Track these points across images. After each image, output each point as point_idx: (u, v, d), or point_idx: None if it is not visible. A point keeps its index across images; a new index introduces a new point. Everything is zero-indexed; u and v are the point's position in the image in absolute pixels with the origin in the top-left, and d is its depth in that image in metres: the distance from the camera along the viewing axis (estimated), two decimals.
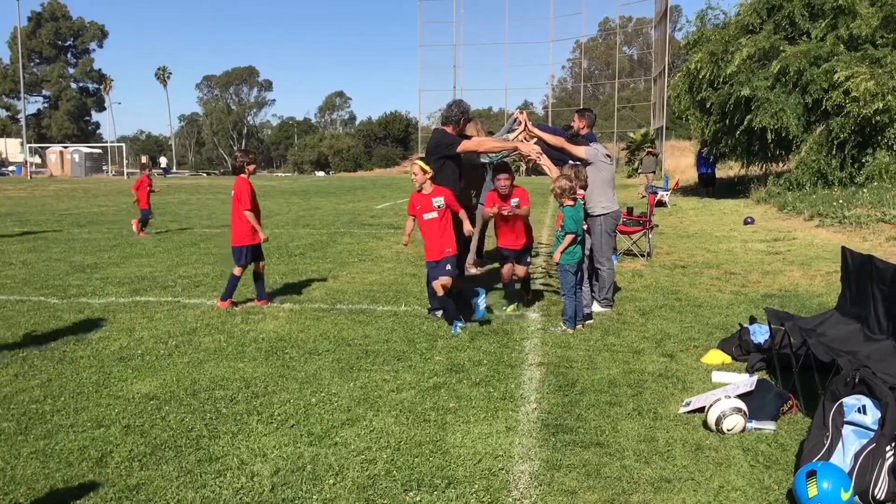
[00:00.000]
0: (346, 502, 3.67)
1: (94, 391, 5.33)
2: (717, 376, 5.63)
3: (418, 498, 3.72)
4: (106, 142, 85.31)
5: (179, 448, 4.33)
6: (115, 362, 6.06)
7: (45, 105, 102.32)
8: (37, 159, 71.56)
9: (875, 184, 18.45)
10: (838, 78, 19.94)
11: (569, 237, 7.01)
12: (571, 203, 7.03)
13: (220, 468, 4.06)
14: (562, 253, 7.04)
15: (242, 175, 8.12)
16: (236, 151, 8.73)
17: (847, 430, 3.86)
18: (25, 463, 4.11)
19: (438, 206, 7.24)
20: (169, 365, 5.99)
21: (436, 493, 3.77)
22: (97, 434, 4.53)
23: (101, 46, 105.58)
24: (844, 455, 3.79)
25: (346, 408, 4.99)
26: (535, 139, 8.12)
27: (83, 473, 3.98)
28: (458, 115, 7.70)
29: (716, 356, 6.14)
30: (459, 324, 7.04)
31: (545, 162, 7.69)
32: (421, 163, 7.29)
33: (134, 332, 7.04)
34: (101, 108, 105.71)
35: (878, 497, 3.62)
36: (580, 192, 7.55)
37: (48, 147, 72.76)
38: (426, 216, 7.25)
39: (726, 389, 4.96)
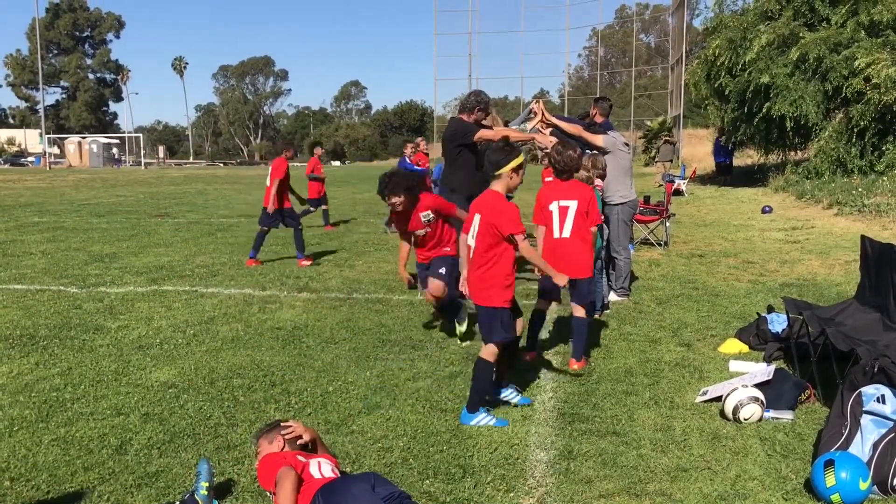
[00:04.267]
0: None
1: (114, 379, 5.39)
2: (734, 365, 5.61)
3: (434, 486, 3.73)
4: (123, 132, 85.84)
5: (198, 436, 4.37)
6: (133, 351, 6.11)
7: (64, 96, 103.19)
8: (55, 150, 72.14)
9: (895, 172, 18.21)
10: (859, 65, 19.65)
11: None
12: None
13: (238, 455, 4.09)
14: None
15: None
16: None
17: (866, 420, 3.83)
18: (47, 450, 4.17)
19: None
20: (187, 353, 6.04)
21: (452, 481, 3.79)
22: (117, 422, 4.58)
23: (118, 37, 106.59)
24: (863, 445, 3.76)
25: (362, 396, 5.02)
26: (552, 128, 8.08)
27: (103, 460, 4.03)
28: (473, 103, 7.66)
29: (733, 345, 6.11)
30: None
31: None
32: None
33: (152, 321, 7.10)
34: (119, 99, 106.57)
35: None
36: (599, 182, 7.50)
37: (67, 138, 73.38)
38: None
39: (743, 379, 4.94)
